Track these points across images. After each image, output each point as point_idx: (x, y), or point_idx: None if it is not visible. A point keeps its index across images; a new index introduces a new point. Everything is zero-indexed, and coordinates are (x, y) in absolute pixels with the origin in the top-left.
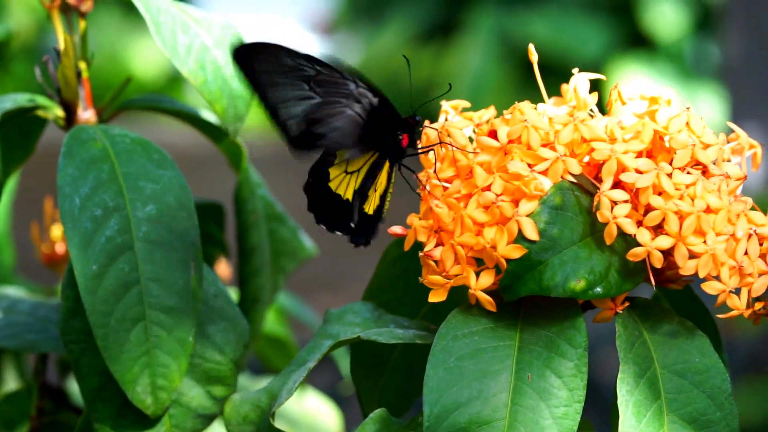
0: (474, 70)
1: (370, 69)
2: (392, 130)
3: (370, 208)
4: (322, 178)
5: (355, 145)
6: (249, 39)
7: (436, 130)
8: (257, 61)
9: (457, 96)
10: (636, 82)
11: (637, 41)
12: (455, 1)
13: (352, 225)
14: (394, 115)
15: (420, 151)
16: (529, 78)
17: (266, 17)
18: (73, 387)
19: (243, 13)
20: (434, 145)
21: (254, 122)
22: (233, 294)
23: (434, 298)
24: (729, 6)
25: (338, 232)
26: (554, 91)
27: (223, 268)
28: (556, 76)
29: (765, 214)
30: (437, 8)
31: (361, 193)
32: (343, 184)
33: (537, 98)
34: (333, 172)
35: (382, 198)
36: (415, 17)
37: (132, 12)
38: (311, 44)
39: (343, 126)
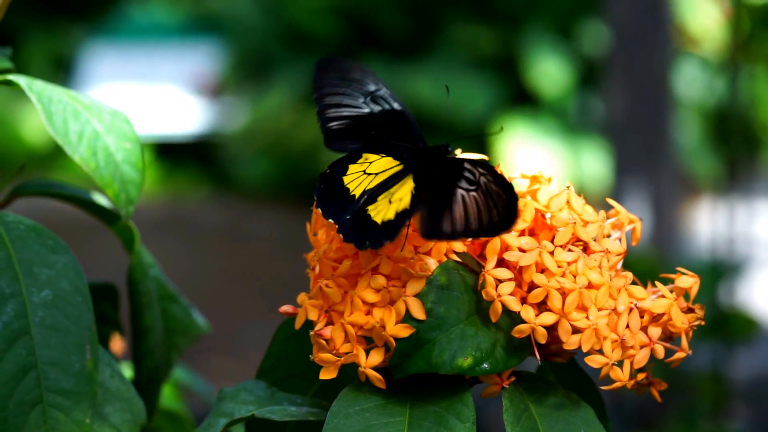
0: None
1: (258, 130)
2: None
3: (378, 216)
4: (340, 170)
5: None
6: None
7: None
8: (330, 70)
9: None
10: (521, 137)
11: (521, 98)
12: None
13: (348, 217)
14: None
15: None
16: None
17: (151, 85)
18: None
19: (127, 82)
20: None
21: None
22: (128, 370)
23: (325, 375)
24: (611, 62)
25: (331, 220)
26: None
27: (118, 344)
28: (442, 133)
29: (645, 285)
30: None
31: (371, 195)
32: (357, 181)
33: None
34: (352, 168)
35: (400, 216)
36: (301, 79)
37: None
38: (196, 107)
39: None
